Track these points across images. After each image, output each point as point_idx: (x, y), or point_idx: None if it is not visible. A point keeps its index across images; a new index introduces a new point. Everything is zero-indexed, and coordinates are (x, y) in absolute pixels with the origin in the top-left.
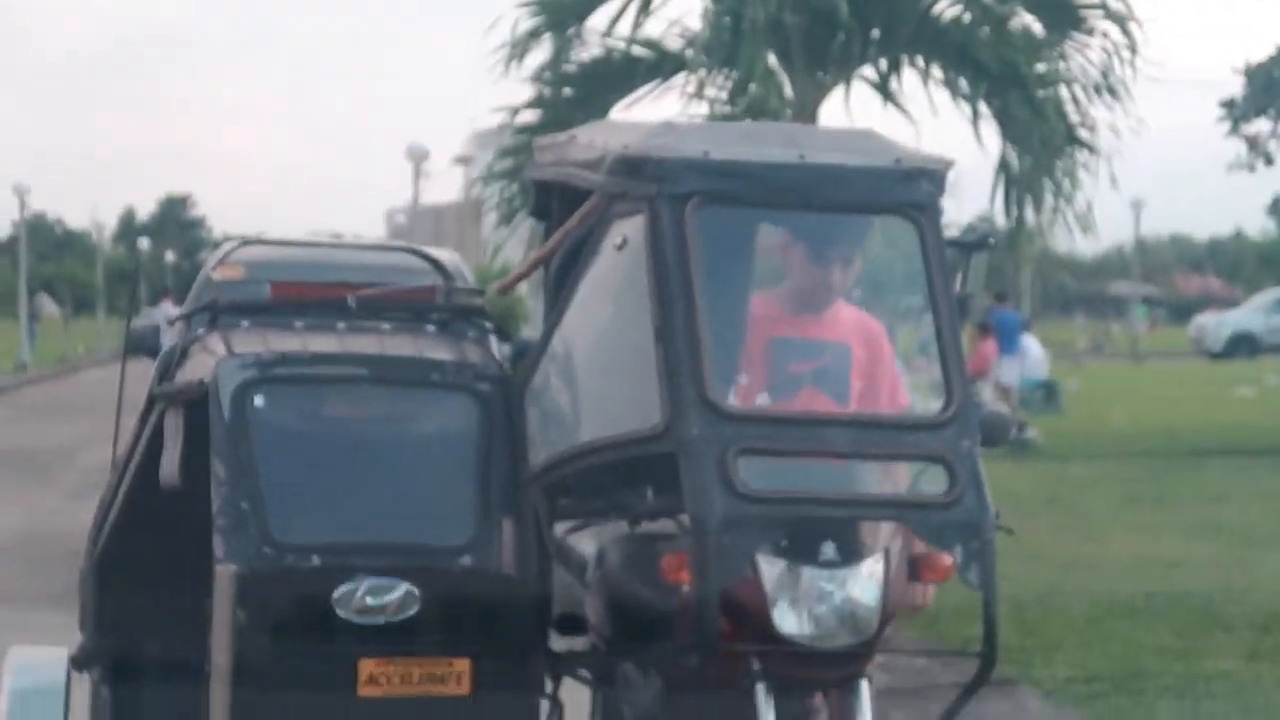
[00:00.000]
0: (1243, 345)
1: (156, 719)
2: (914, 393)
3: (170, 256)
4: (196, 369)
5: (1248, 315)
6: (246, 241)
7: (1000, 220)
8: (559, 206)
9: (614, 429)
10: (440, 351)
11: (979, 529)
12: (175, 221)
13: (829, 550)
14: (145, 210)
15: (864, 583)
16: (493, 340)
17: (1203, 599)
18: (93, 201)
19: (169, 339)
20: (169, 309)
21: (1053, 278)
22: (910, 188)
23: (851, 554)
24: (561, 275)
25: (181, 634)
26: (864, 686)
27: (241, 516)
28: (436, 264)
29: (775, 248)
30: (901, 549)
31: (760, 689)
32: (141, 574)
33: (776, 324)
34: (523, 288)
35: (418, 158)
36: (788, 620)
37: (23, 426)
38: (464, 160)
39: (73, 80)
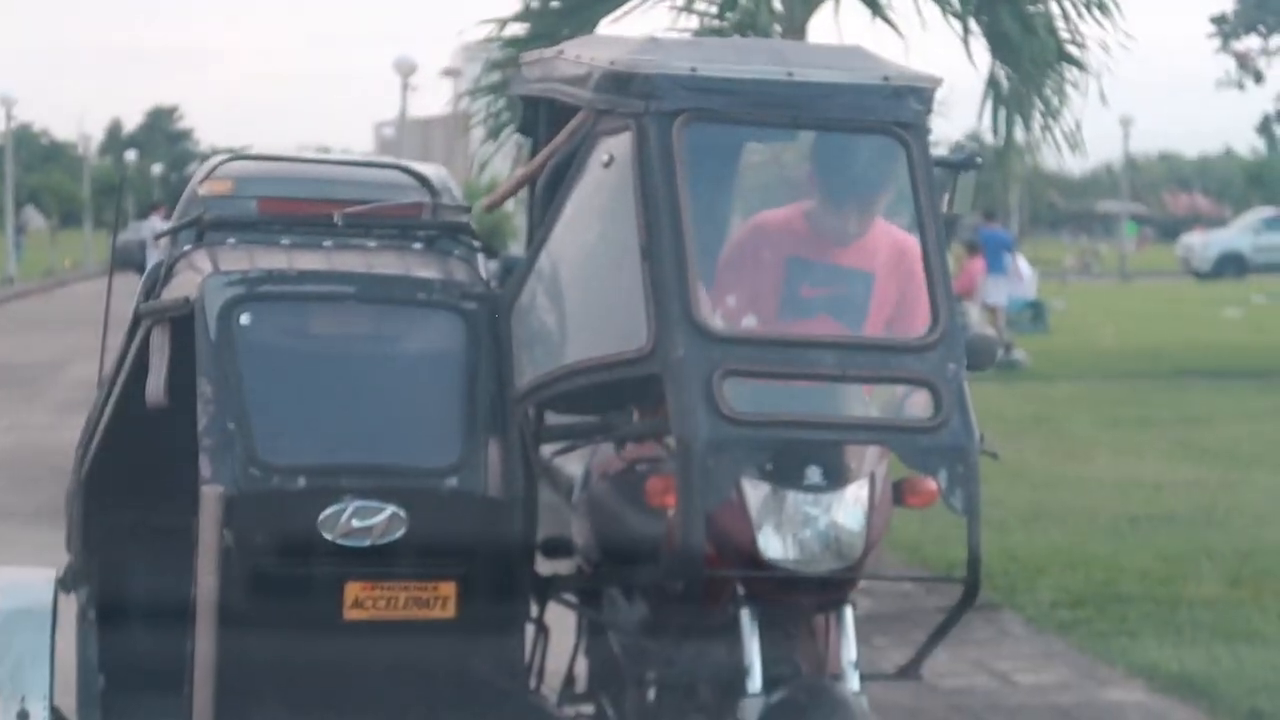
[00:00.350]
0: (1230, 265)
1: (142, 640)
2: None
3: (157, 169)
4: (182, 286)
5: (1235, 235)
6: (234, 156)
7: (988, 138)
8: (546, 122)
9: (600, 349)
10: (427, 269)
11: (964, 453)
12: (163, 133)
13: (814, 474)
14: (132, 122)
15: (849, 508)
16: (479, 258)
17: (1186, 523)
18: (79, 113)
19: (155, 254)
20: (157, 223)
21: (1041, 196)
22: (898, 105)
23: (836, 478)
24: (548, 192)
25: (169, 554)
26: (848, 612)
27: (228, 436)
28: (424, 180)
29: (801, 176)
30: (886, 473)
31: (745, 614)
32: (129, 493)
33: (799, 243)
34: (510, 204)
35: (405, 71)
36: (772, 545)
37: (9, 341)
38: (452, 73)
39: None
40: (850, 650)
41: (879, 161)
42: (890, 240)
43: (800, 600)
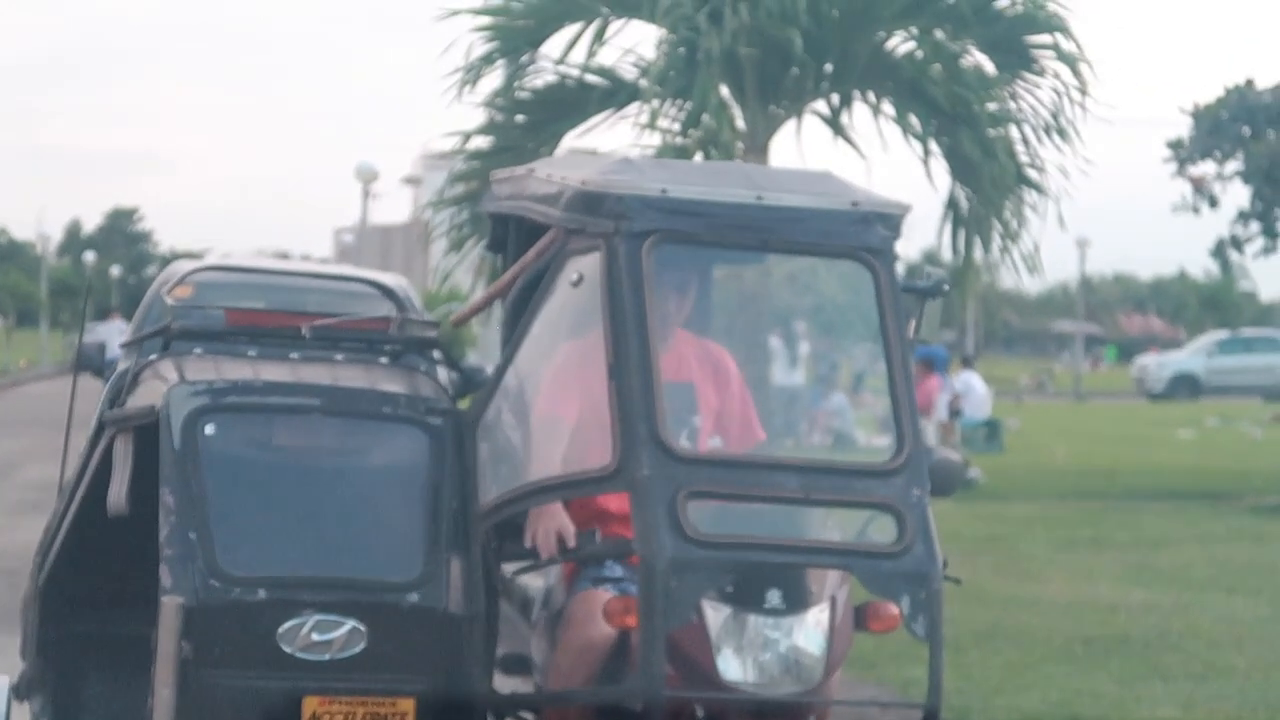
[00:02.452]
0: (1184, 386)
1: None
2: (860, 427)
3: (116, 271)
4: (148, 395)
5: (1189, 357)
6: (204, 267)
7: (947, 257)
8: (515, 240)
9: (565, 467)
10: (392, 384)
11: (927, 580)
12: (121, 235)
13: (774, 597)
14: (91, 223)
15: (809, 631)
16: (440, 370)
17: (1140, 645)
18: (38, 212)
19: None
20: (117, 325)
21: (997, 314)
22: (866, 231)
23: (797, 602)
24: (517, 310)
25: (126, 664)
26: None
27: (189, 547)
28: (390, 294)
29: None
30: (848, 597)
31: None
32: (87, 602)
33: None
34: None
35: (367, 178)
36: (732, 667)
37: None
38: (413, 181)
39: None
40: None
41: (681, 268)
42: (696, 349)
43: None
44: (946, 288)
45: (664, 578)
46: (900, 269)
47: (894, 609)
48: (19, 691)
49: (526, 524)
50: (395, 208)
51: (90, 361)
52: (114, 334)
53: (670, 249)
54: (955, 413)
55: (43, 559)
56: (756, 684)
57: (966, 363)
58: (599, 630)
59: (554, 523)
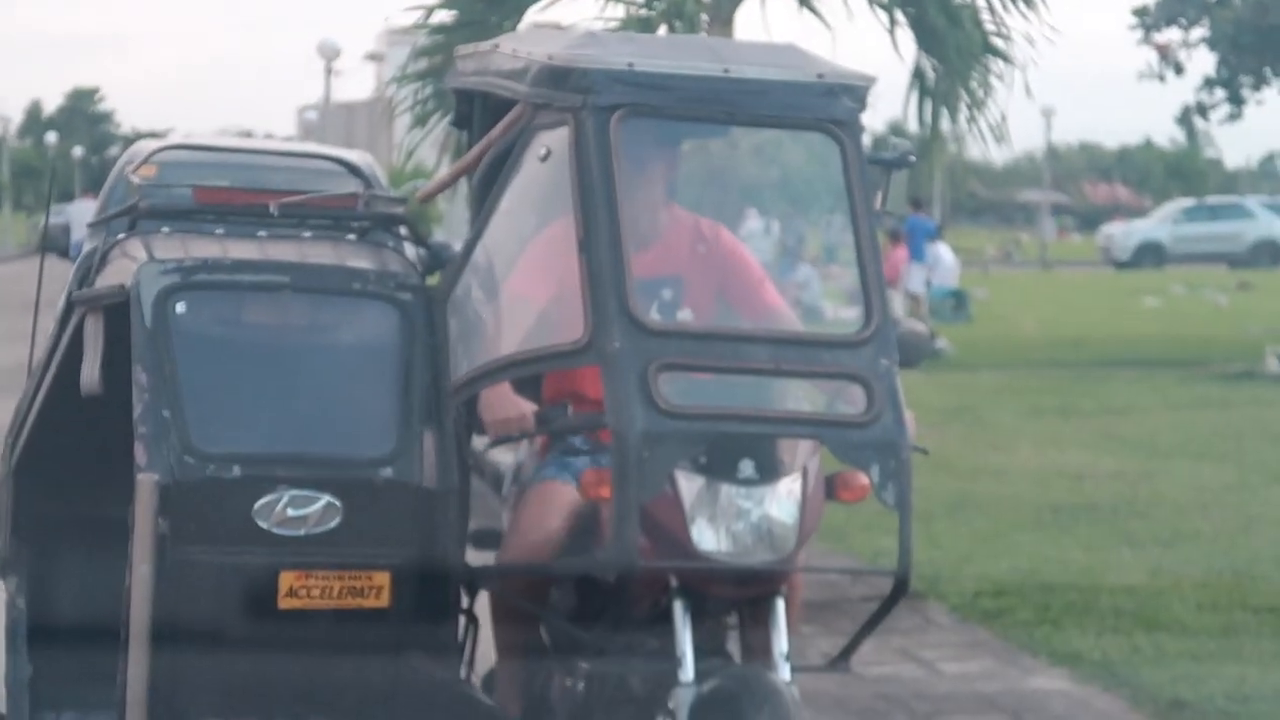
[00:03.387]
0: (1150, 255)
1: (73, 630)
2: (827, 299)
3: (78, 151)
4: (117, 274)
5: (1155, 225)
6: (169, 146)
7: (913, 128)
8: (481, 116)
9: (536, 342)
10: (361, 260)
11: (896, 449)
12: (83, 115)
13: (747, 468)
14: (52, 104)
15: (781, 500)
16: (407, 246)
17: (1108, 512)
18: None
19: (84, 238)
20: (88, 204)
21: (962, 185)
22: (832, 103)
23: (769, 471)
24: (484, 186)
25: (101, 543)
26: (779, 604)
27: (163, 425)
28: (357, 171)
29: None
30: (819, 467)
31: (678, 605)
32: (60, 482)
33: None
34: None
35: (329, 55)
36: (705, 537)
37: None
38: (376, 57)
39: None
40: (781, 641)
41: (661, 134)
42: (693, 233)
43: (732, 592)
44: (913, 159)
45: (636, 449)
46: (866, 141)
47: (863, 479)
48: None
49: (480, 410)
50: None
51: (55, 243)
52: (83, 214)
53: (640, 122)
54: (926, 284)
55: (14, 440)
56: (730, 553)
57: (933, 235)
58: (554, 523)
59: (508, 411)
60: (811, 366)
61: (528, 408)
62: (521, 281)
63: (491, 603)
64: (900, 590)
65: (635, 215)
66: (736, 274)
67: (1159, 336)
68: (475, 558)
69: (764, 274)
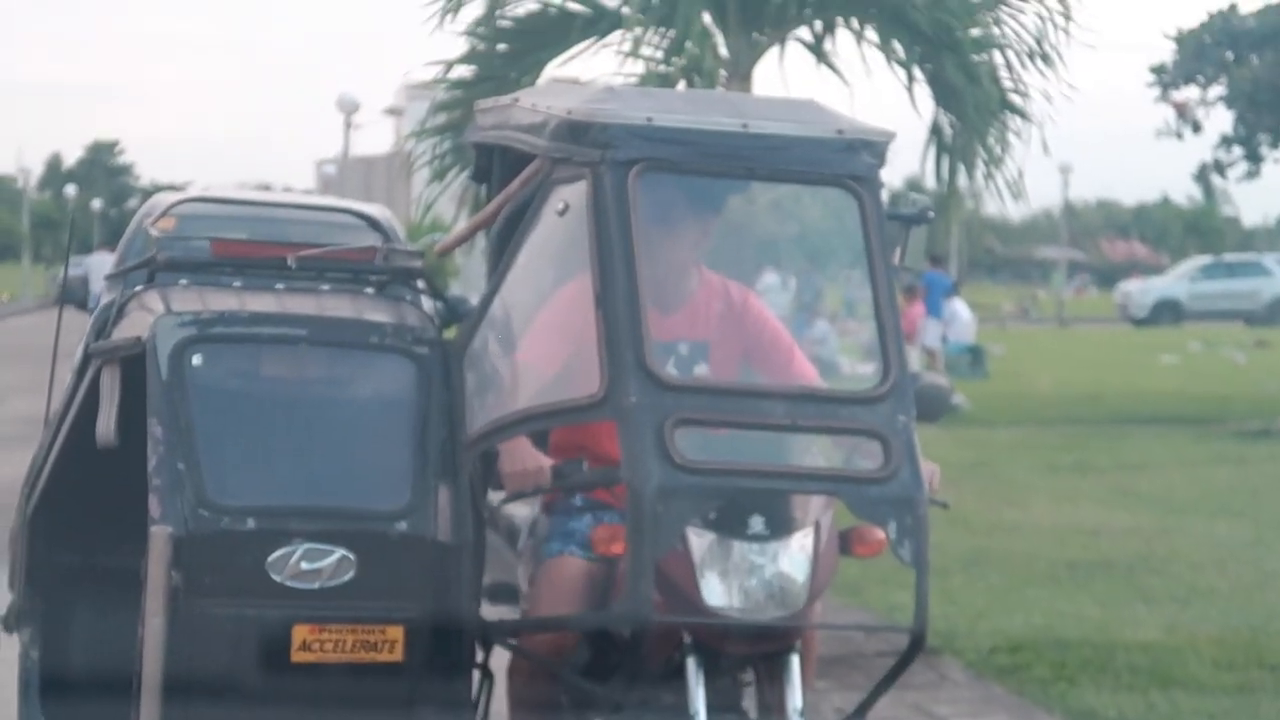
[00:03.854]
0: (1167, 312)
1: (84, 681)
2: (844, 354)
3: (97, 204)
4: (134, 326)
5: (1173, 282)
6: (188, 199)
7: (930, 184)
8: (500, 170)
9: (552, 396)
10: (378, 314)
11: (913, 505)
12: (103, 168)
13: (758, 524)
14: (72, 156)
15: (793, 556)
16: (424, 300)
17: (1124, 568)
18: (18, 146)
19: (105, 292)
20: (105, 257)
21: (979, 241)
22: (851, 159)
23: (780, 527)
24: (502, 239)
25: (115, 595)
26: (794, 660)
27: (177, 477)
28: (375, 224)
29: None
30: (832, 522)
31: (691, 662)
32: (75, 534)
33: None
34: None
35: (348, 109)
36: (716, 593)
37: None
38: (394, 112)
39: None
40: (796, 698)
41: (694, 192)
42: (722, 297)
43: (745, 649)
44: (931, 215)
45: (651, 504)
46: (884, 196)
47: (879, 533)
48: (8, 623)
49: (498, 463)
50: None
51: (74, 294)
52: (102, 267)
53: (674, 186)
54: (942, 340)
55: (30, 491)
56: (741, 609)
57: (951, 290)
58: (569, 605)
59: (526, 464)
60: (828, 422)
61: (545, 462)
62: (536, 346)
63: (510, 661)
64: (916, 647)
65: (664, 277)
66: (764, 342)
67: (1176, 393)
68: (490, 612)
69: (792, 342)
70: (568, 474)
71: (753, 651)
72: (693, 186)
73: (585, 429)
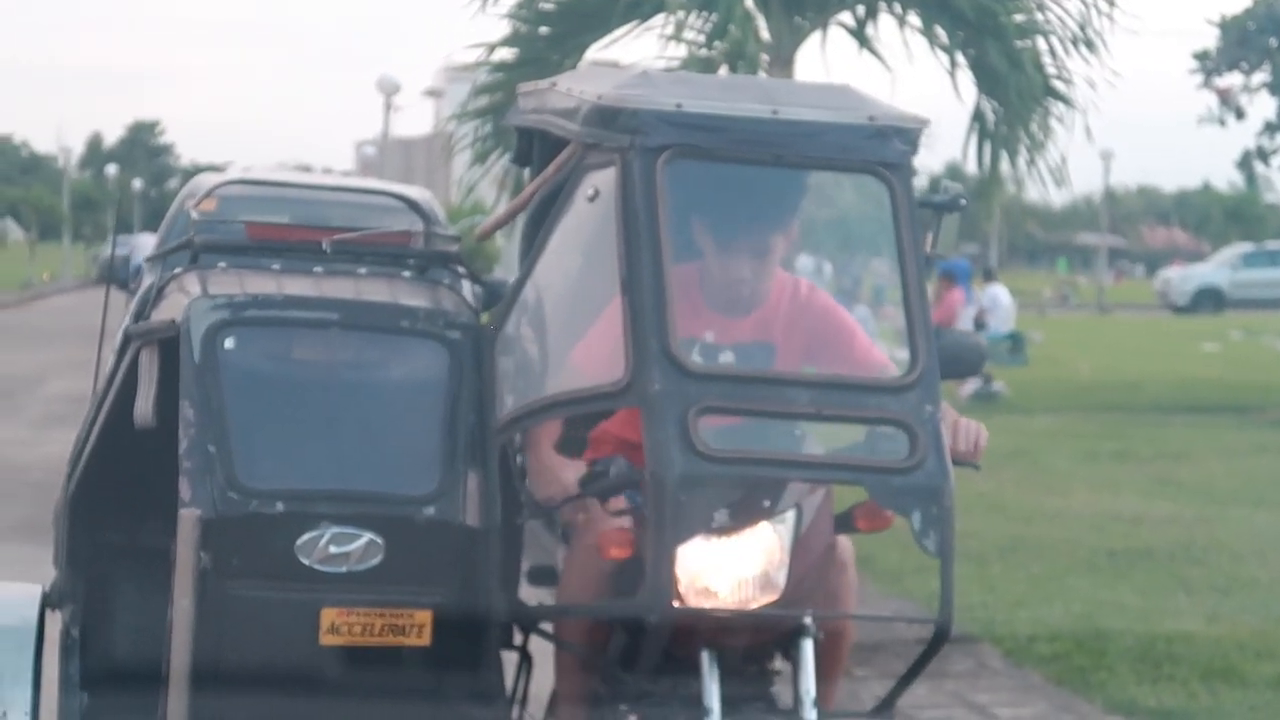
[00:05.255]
0: (1208, 299)
1: (124, 660)
2: (882, 339)
3: (138, 184)
4: (171, 308)
5: (1214, 270)
6: (230, 181)
7: (971, 170)
8: (539, 154)
9: (580, 382)
10: (414, 297)
11: (939, 495)
12: (143, 148)
13: (721, 516)
14: (112, 136)
15: (766, 542)
16: (465, 284)
17: (1164, 557)
18: (59, 125)
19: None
20: (149, 239)
21: (1020, 227)
22: (883, 146)
23: (744, 516)
24: (536, 224)
25: (155, 573)
26: (806, 645)
27: (208, 460)
28: (415, 207)
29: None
30: (823, 503)
31: (705, 656)
32: (116, 512)
33: (690, 321)
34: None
35: (389, 90)
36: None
37: None
38: (435, 93)
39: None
40: (808, 683)
41: (778, 196)
42: (790, 297)
43: (743, 639)
44: (964, 203)
45: (674, 493)
46: (921, 182)
47: (885, 509)
48: (50, 600)
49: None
50: (417, 120)
51: (117, 274)
52: (145, 247)
53: (688, 164)
54: (980, 326)
55: (72, 469)
56: (728, 600)
57: (990, 276)
58: (596, 590)
59: (552, 488)
60: (854, 411)
61: (570, 478)
62: (586, 357)
63: (555, 650)
64: (940, 639)
65: (751, 282)
66: (826, 332)
67: (1217, 382)
68: (532, 595)
69: (855, 328)
70: (595, 477)
71: (755, 641)
72: (776, 192)
73: (623, 421)
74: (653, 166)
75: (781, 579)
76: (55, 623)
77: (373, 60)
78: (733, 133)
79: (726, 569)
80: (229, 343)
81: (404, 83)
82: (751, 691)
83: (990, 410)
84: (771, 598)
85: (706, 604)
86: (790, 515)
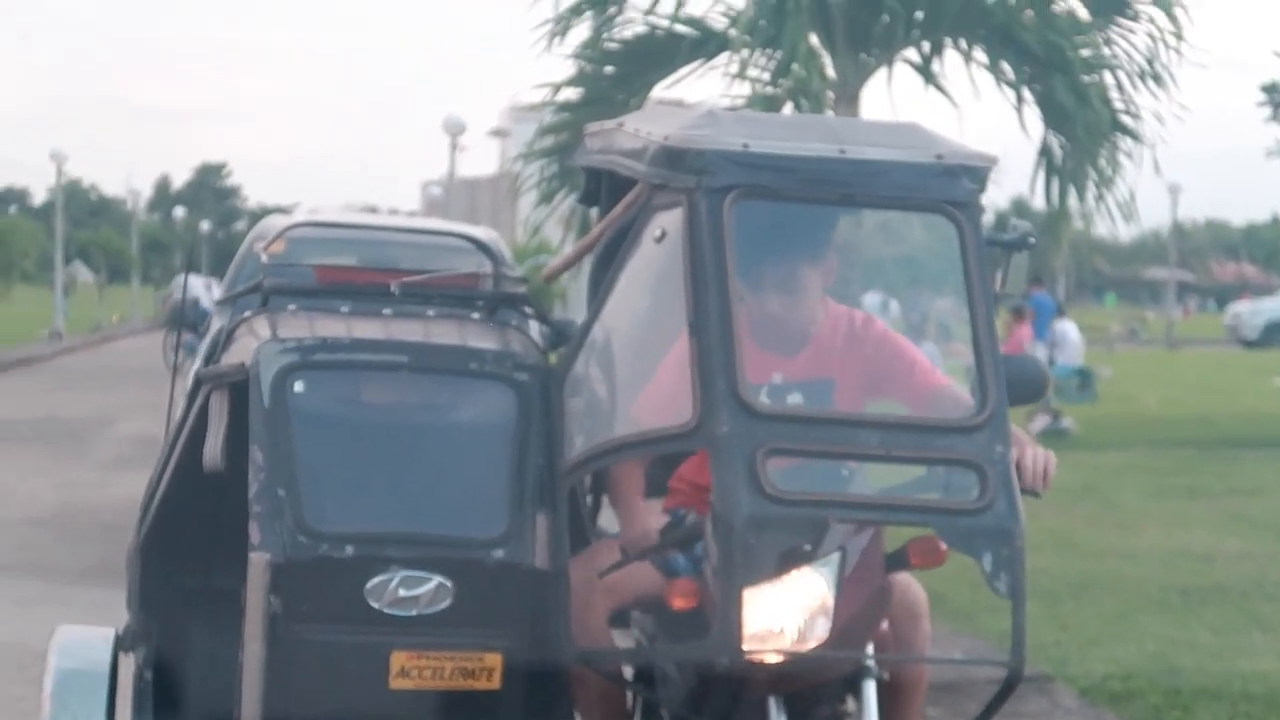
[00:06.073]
0: (1278, 334)
1: (196, 704)
2: (950, 376)
3: (205, 226)
4: (240, 352)
5: None
6: (298, 224)
7: (1038, 205)
8: (607, 194)
9: (649, 423)
10: (482, 339)
11: (1009, 536)
12: (210, 190)
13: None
14: (180, 178)
15: (811, 585)
16: (532, 325)
17: (1237, 594)
18: (127, 168)
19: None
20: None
21: (1087, 262)
22: (951, 184)
23: (791, 559)
24: (604, 264)
25: (227, 616)
26: (869, 687)
27: (277, 503)
28: (484, 248)
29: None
30: (870, 544)
31: (772, 701)
32: (188, 555)
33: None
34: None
35: (454, 131)
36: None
37: (58, 396)
38: (500, 133)
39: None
40: None
41: (805, 229)
42: (846, 329)
43: (798, 681)
44: (1033, 241)
45: (742, 535)
46: (988, 218)
47: (939, 544)
48: (124, 643)
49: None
50: (482, 160)
51: (185, 316)
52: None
53: (769, 215)
54: (1050, 363)
55: (144, 512)
56: (790, 640)
57: (1059, 312)
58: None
59: (635, 530)
60: (923, 452)
61: (653, 525)
62: (654, 398)
63: (575, 682)
64: (1013, 683)
65: (787, 319)
66: (887, 363)
67: None
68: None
69: (916, 355)
70: (673, 528)
71: (808, 685)
72: (803, 237)
73: (698, 466)
74: (719, 207)
75: (827, 623)
76: (128, 665)
77: (439, 100)
78: (799, 173)
79: (771, 614)
80: (298, 386)
81: (469, 123)
82: None
83: (1059, 447)
84: (818, 642)
85: (764, 647)
86: (834, 558)
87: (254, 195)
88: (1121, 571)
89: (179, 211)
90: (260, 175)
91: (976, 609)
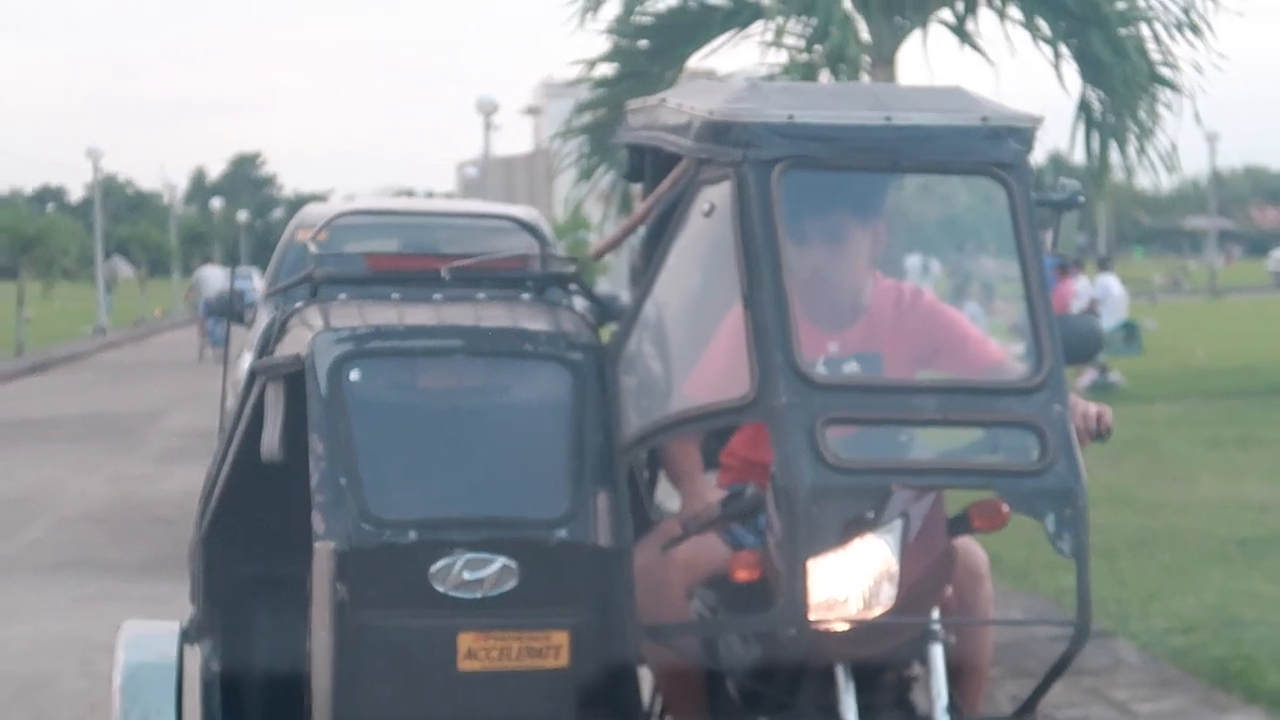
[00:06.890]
0: None
1: (265, 694)
2: (994, 335)
3: (243, 216)
4: (294, 343)
5: None
6: (342, 213)
7: (1077, 160)
8: (652, 170)
9: (704, 397)
10: (534, 320)
11: (1072, 496)
12: (246, 180)
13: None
14: (215, 169)
15: (875, 552)
16: (578, 301)
17: None
18: (162, 162)
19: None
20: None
21: (1127, 214)
22: (998, 146)
23: (854, 527)
24: (653, 241)
25: (291, 605)
26: (936, 650)
27: (339, 492)
28: (528, 227)
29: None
30: (931, 509)
31: (840, 668)
32: (250, 546)
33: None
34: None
35: (487, 110)
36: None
37: (104, 391)
38: (533, 111)
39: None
40: (940, 691)
41: (850, 196)
42: (895, 302)
43: (867, 649)
44: (1082, 199)
45: (805, 505)
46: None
47: (1001, 506)
48: (189, 635)
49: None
50: (516, 138)
51: (230, 307)
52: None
53: (816, 188)
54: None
55: (205, 504)
56: (856, 608)
57: (1103, 265)
58: None
59: (695, 504)
60: (981, 414)
61: (714, 499)
62: (709, 372)
63: (657, 666)
64: (1079, 641)
65: (837, 293)
66: (938, 334)
67: None
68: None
69: (969, 327)
70: (732, 501)
71: (875, 652)
72: (851, 194)
73: (750, 441)
74: (767, 179)
75: (892, 589)
76: (194, 658)
77: (469, 78)
78: (846, 141)
79: (837, 582)
80: (354, 375)
81: (502, 101)
82: (889, 699)
83: (1108, 400)
84: (884, 608)
85: (831, 615)
86: (898, 524)
87: (289, 183)
88: (1178, 524)
89: (216, 203)
90: (295, 163)
91: (1031, 567)
